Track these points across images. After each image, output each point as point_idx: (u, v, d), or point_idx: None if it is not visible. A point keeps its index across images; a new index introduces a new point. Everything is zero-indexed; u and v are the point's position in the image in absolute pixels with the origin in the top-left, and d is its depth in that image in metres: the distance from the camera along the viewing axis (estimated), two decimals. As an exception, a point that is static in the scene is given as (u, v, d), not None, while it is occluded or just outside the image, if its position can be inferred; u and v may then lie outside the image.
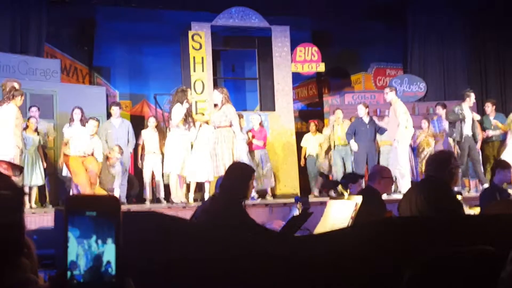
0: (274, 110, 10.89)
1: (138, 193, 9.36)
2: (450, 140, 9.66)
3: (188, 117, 7.80)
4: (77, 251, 0.91)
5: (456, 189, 8.84)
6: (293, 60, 11.17)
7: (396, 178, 9.00)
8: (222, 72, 12.40)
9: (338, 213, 3.88)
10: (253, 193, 9.22)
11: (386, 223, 3.12)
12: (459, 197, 4.29)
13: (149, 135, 9.13)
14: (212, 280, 2.36)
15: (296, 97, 12.99)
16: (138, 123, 10.75)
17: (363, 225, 3.21)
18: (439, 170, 3.77)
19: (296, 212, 4.93)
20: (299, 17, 12.00)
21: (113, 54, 12.11)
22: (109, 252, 0.92)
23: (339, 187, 4.95)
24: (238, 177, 3.75)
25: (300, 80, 12.92)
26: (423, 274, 2.12)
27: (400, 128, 8.32)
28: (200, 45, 10.41)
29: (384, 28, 12.76)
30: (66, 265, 0.91)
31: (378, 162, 9.42)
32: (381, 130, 9.25)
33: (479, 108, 10.37)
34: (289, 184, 10.41)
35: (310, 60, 11.29)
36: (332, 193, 9.25)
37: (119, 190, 8.44)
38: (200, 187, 8.70)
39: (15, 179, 1.35)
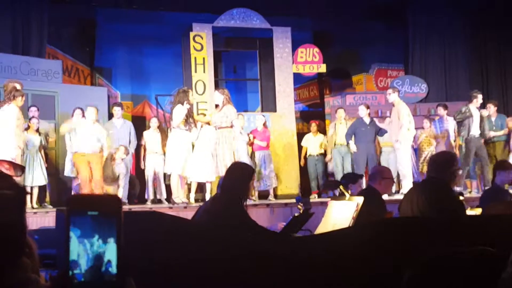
0: (275, 111, 10.89)
1: (140, 194, 9.37)
2: (451, 140, 9.67)
3: (189, 118, 7.81)
4: (78, 250, 0.92)
5: (458, 189, 8.89)
6: (294, 61, 11.18)
7: (398, 179, 9.02)
8: (223, 73, 12.40)
9: (339, 214, 3.87)
10: (255, 195, 9.25)
11: (386, 223, 3.12)
12: (460, 198, 4.29)
13: (151, 136, 9.14)
14: (213, 280, 2.36)
15: (297, 98, 12.99)
16: (139, 124, 10.75)
17: (364, 225, 3.22)
18: (441, 171, 3.77)
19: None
20: (300, 18, 12.00)
21: (115, 55, 12.12)
22: (110, 252, 0.92)
23: (341, 188, 4.94)
24: (239, 177, 3.75)
25: (301, 81, 12.92)
26: (423, 275, 2.13)
27: (403, 130, 8.32)
28: (201, 46, 10.42)
29: (385, 28, 12.76)
30: (67, 264, 0.92)
31: (379, 163, 9.43)
32: (381, 132, 9.25)
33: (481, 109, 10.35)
34: (290, 185, 10.42)
35: (311, 61, 11.30)
36: (329, 193, 9.25)
37: (122, 190, 8.45)
38: (201, 187, 8.71)
39: (17, 179, 1.35)
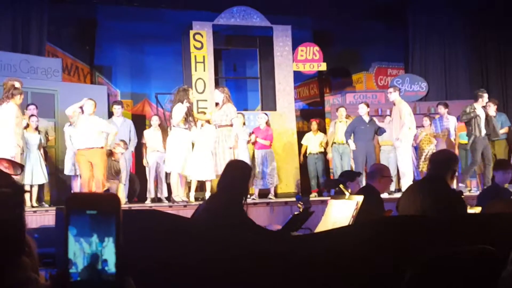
0: (275, 109, 10.89)
1: (140, 192, 9.38)
2: (452, 139, 9.66)
3: (188, 116, 7.80)
4: (74, 249, 0.91)
5: (462, 185, 8.90)
6: (294, 60, 11.18)
7: (397, 178, 9.03)
8: (224, 71, 12.40)
9: (339, 212, 3.87)
10: (255, 194, 9.26)
11: (386, 222, 3.12)
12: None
13: (152, 134, 9.15)
14: (212, 279, 2.36)
15: (298, 96, 12.98)
16: (139, 122, 10.76)
17: (363, 224, 3.21)
18: (441, 169, 3.77)
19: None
20: (301, 17, 12.00)
21: (115, 53, 12.11)
22: (108, 251, 0.92)
23: (341, 186, 4.94)
24: (237, 176, 3.73)
25: (302, 79, 12.91)
26: (424, 274, 2.12)
27: (404, 129, 8.32)
28: (201, 44, 10.41)
29: (385, 27, 12.76)
30: (67, 263, 0.92)
31: (379, 162, 9.44)
32: (380, 131, 9.26)
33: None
34: (290, 184, 10.42)
35: (311, 59, 11.30)
36: (331, 191, 9.26)
37: (123, 187, 8.45)
38: (201, 186, 8.71)
39: (16, 177, 1.35)
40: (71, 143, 8.33)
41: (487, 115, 8.78)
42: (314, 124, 10.42)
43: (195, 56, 10.36)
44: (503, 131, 9.56)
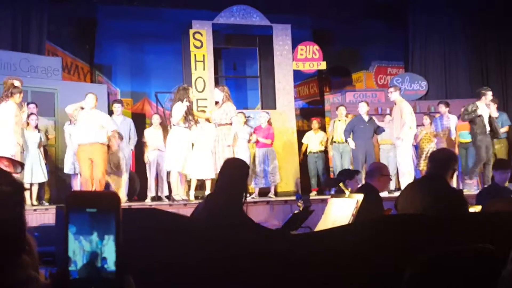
0: (275, 108, 10.89)
1: (140, 191, 9.38)
2: (452, 138, 9.66)
3: (188, 115, 7.80)
4: (74, 247, 0.91)
5: (467, 185, 8.89)
6: (294, 59, 11.18)
7: (397, 177, 9.04)
8: (223, 70, 12.39)
9: (339, 211, 3.87)
10: (256, 192, 9.26)
11: (386, 221, 3.12)
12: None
13: (153, 133, 9.15)
14: (212, 278, 2.36)
15: (297, 95, 12.98)
16: (139, 121, 10.76)
17: (364, 222, 3.21)
18: (440, 168, 3.77)
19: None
20: (300, 16, 11.99)
21: (114, 52, 12.11)
22: (108, 249, 0.92)
23: (341, 185, 4.95)
24: (235, 174, 3.72)
25: (301, 78, 12.91)
26: (424, 273, 2.13)
27: (405, 128, 8.33)
28: (201, 43, 10.41)
29: (385, 26, 12.75)
30: (67, 262, 0.92)
31: (379, 161, 9.44)
32: (379, 130, 9.28)
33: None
34: (290, 182, 10.42)
35: (311, 58, 11.29)
36: (332, 190, 9.26)
37: (124, 184, 8.44)
38: (201, 184, 8.71)
39: (17, 175, 1.35)
40: (71, 141, 8.33)
41: (490, 114, 8.72)
42: (315, 123, 10.42)
43: (195, 55, 10.36)
44: (503, 130, 9.56)
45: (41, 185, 8.32)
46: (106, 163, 7.75)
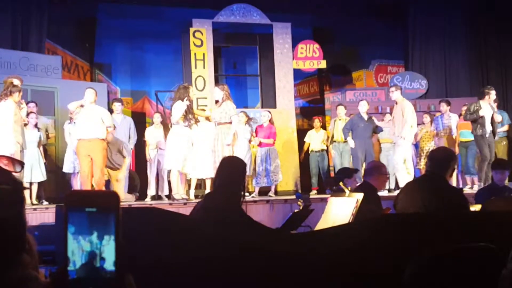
0: (275, 107, 10.88)
1: (140, 189, 9.37)
2: (453, 137, 9.65)
3: (188, 114, 7.79)
4: (72, 247, 0.91)
5: (469, 179, 8.89)
6: (294, 57, 11.17)
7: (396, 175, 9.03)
8: (224, 69, 12.39)
9: (339, 210, 3.87)
10: (256, 191, 9.25)
11: (386, 220, 3.12)
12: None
13: (154, 131, 9.15)
14: (212, 277, 2.36)
15: (297, 94, 12.98)
16: (139, 120, 10.75)
17: (363, 222, 3.21)
18: (440, 167, 3.77)
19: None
20: (301, 14, 11.99)
21: (114, 51, 12.11)
22: (108, 248, 0.92)
23: (341, 184, 4.95)
24: (232, 172, 3.72)
25: (301, 77, 12.91)
26: (424, 272, 2.12)
27: (406, 127, 8.33)
28: (201, 42, 10.41)
29: (385, 25, 12.75)
30: (66, 262, 0.91)
31: (378, 159, 9.45)
32: (378, 129, 9.29)
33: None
34: (290, 181, 10.42)
35: (311, 57, 11.29)
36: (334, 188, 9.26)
37: (124, 183, 8.43)
38: (201, 183, 8.71)
39: (17, 174, 1.35)
40: (70, 140, 8.32)
41: (494, 113, 8.68)
42: (316, 122, 10.40)
43: (195, 54, 10.36)
44: (504, 129, 9.53)
45: (40, 184, 8.31)
46: (105, 160, 7.72)
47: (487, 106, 8.59)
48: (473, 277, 2.15)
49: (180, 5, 11.42)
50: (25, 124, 7.86)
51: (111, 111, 9.23)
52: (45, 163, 8.30)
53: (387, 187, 9.62)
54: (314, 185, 10.31)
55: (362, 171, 8.17)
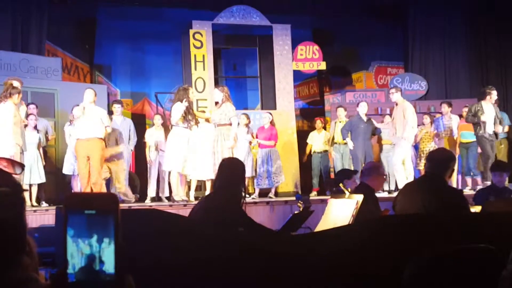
0: (275, 108, 10.88)
1: (140, 191, 9.37)
2: (454, 138, 9.64)
3: (187, 115, 7.78)
4: (72, 250, 0.91)
5: (485, 185, 8.88)
6: (294, 59, 11.18)
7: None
8: (223, 70, 12.40)
9: (339, 212, 3.87)
10: (256, 193, 9.25)
11: (386, 221, 3.12)
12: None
13: (155, 133, 9.14)
14: (212, 278, 2.36)
15: (297, 95, 12.98)
16: (139, 122, 10.75)
17: (363, 223, 3.21)
18: (439, 168, 3.77)
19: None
20: (300, 16, 11.99)
21: (114, 53, 12.11)
22: (107, 252, 0.92)
23: (341, 185, 4.94)
24: (232, 174, 3.72)
25: (301, 78, 12.91)
26: (424, 272, 2.12)
27: (408, 128, 8.33)
28: (201, 43, 10.41)
29: (385, 26, 12.75)
30: (65, 265, 0.91)
31: (379, 160, 9.45)
32: (377, 131, 9.30)
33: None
34: (290, 183, 10.42)
35: (311, 58, 11.30)
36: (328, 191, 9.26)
37: (126, 176, 8.43)
38: (201, 185, 8.70)
39: (16, 176, 1.35)
40: (70, 142, 8.31)
41: (496, 113, 8.66)
42: (318, 123, 10.38)
43: (195, 55, 10.36)
44: (504, 130, 9.52)
45: (40, 186, 8.30)
46: (103, 161, 7.73)
47: (488, 107, 8.58)
48: (473, 278, 2.15)
49: (180, 7, 11.43)
50: (25, 126, 7.86)
51: (110, 112, 9.25)
52: (44, 166, 8.29)
53: (386, 188, 9.64)
54: (315, 186, 10.31)
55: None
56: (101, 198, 0.95)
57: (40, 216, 7.04)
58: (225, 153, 7.75)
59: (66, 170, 8.50)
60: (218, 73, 11.78)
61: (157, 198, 9.09)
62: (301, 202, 4.90)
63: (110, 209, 0.93)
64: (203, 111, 9.14)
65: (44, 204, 8.17)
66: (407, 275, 2.09)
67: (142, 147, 9.43)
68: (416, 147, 9.78)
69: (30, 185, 8.01)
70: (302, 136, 10.71)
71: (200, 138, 8.14)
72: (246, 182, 7.69)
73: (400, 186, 7.52)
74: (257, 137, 9.35)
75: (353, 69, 13.29)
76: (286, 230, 4.21)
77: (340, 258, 2.52)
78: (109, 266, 0.91)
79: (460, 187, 9.08)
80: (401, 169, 8.45)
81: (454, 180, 9.28)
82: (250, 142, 9.14)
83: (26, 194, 7.63)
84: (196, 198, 8.07)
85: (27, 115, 7.95)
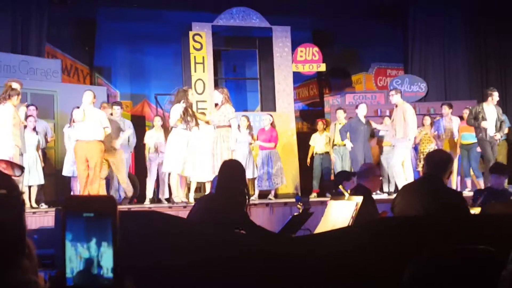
0: (275, 110, 10.89)
1: (139, 193, 9.36)
2: (454, 139, 9.63)
3: (186, 116, 7.77)
4: (70, 254, 0.91)
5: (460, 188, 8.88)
6: (294, 60, 11.18)
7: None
8: (223, 72, 12.40)
9: (339, 213, 3.87)
10: (255, 194, 9.24)
11: (385, 223, 3.12)
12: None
13: (155, 135, 9.14)
14: (211, 280, 2.36)
15: (297, 97, 12.99)
16: (138, 123, 10.75)
17: (363, 225, 3.21)
18: (438, 169, 3.77)
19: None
20: (300, 17, 12.00)
21: (114, 54, 12.12)
22: (106, 255, 0.91)
23: (340, 187, 4.94)
24: (232, 175, 3.72)
25: (301, 80, 12.92)
26: (423, 274, 2.12)
27: (409, 128, 8.34)
28: (201, 45, 10.42)
29: (385, 28, 12.76)
30: (63, 268, 0.91)
31: (379, 162, 9.45)
32: (376, 133, 9.31)
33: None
34: (290, 184, 10.41)
35: (311, 60, 11.30)
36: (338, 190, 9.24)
37: (126, 168, 8.40)
38: (201, 186, 8.70)
39: (16, 178, 1.35)
40: (70, 144, 8.30)
41: (498, 115, 8.64)
42: (320, 124, 10.38)
43: (195, 57, 10.37)
44: (505, 131, 9.49)
45: (39, 188, 8.30)
46: (101, 163, 7.71)
47: (490, 108, 8.57)
48: (473, 279, 2.15)
49: (180, 8, 11.43)
50: (24, 127, 7.86)
51: (110, 114, 9.24)
52: (43, 167, 8.28)
53: (386, 189, 9.64)
54: (315, 187, 10.29)
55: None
56: (99, 201, 0.94)
57: (39, 217, 7.04)
58: (225, 155, 7.74)
59: (66, 171, 8.50)
60: (218, 74, 11.78)
61: (156, 200, 9.08)
62: (301, 204, 4.90)
63: (109, 212, 0.92)
64: (203, 113, 9.13)
65: (43, 206, 8.16)
66: (407, 276, 2.09)
67: (142, 149, 9.43)
68: (415, 148, 9.78)
69: (30, 187, 8.01)
70: (302, 138, 10.70)
71: (200, 139, 8.14)
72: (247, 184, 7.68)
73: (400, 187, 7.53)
74: (257, 139, 9.34)
75: (352, 71, 13.30)
76: (285, 231, 4.22)
77: (340, 260, 2.52)
78: (107, 270, 0.91)
79: (459, 189, 9.07)
80: (401, 171, 8.45)
81: (454, 182, 9.28)
82: (251, 143, 9.14)
83: (25, 196, 7.63)
84: (195, 200, 8.07)
85: (27, 117, 7.94)
